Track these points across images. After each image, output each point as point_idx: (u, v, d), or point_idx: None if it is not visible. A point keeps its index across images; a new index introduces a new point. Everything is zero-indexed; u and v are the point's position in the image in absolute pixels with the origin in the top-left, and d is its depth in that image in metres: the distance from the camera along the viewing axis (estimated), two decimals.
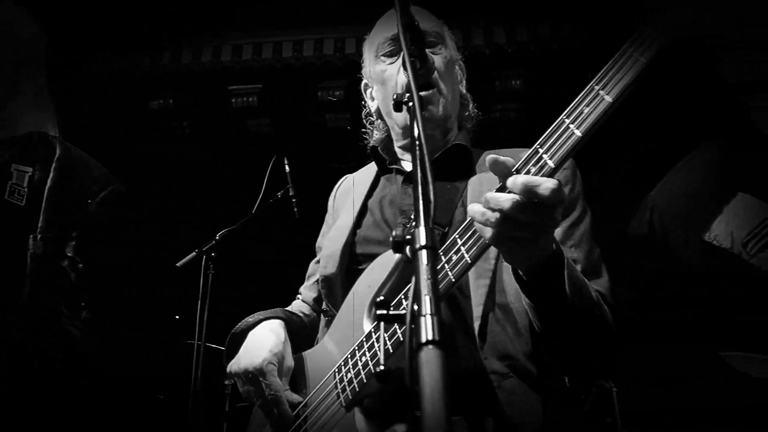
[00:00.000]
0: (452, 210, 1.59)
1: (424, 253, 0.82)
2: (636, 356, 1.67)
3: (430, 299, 0.76)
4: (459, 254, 1.19)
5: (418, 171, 0.96)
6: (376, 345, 1.31)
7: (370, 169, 1.92)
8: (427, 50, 1.58)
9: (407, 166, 1.81)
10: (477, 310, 1.39)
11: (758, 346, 1.51)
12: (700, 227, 1.66)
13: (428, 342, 0.72)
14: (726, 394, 1.49)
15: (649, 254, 1.76)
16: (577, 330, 1.28)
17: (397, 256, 1.43)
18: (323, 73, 4.35)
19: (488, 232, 1.11)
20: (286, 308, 1.94)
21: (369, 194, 1.82)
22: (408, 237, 0.87)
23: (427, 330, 0.73)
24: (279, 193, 3.42)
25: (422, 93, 1.58)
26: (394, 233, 0.87)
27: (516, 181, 1.06)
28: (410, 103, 1.09)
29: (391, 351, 1.24)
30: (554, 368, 1.45)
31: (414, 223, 0.87)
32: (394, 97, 1.15)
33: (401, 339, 1.24)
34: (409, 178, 1.74)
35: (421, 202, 0.90)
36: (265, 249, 4.30)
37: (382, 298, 0.87)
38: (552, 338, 1.33)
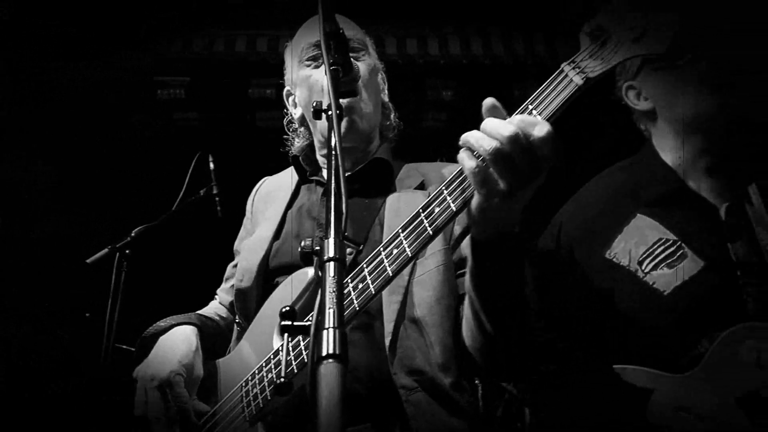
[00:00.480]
0: (368, 228, 1.57)
1: (331, 266, 0.83)
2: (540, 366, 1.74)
3: (334, 312, 0.77)
4: (364, 283, 1.18)
5: (332, 182, 0.96)
6: (281, 357, 1.31)
7: (291, 175, 1.89)
8: (351, 56, 1.59)
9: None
10: (388, 326, 1.40)
11: (646, 360, 1.62)
12: (603, 244, 1.75)
13: (328, 356, 0.73)
14: (619, 404, 1.57)
15: (556, 268, 1.84)
16: (525, 314, 1.30)
17: (311, 276, 1.42)
18: (255, 70, 4.29)
19: (474, 167, 1.05)
20: (202, 311, 1.89)
21: (289, 204, 1.79)
22: (317, 248, 0.87)
23: (328, 343, 0.74)
24: (202, 191, 3.33)
25: (346, 99, 1.55)
26: (303, 244, 0.88)
27: (513, 118, 1.05)
28: (330, 112, 1.09)
29: (296, 371, 1.23)
30: (470, 377, 1.49)
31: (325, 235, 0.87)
32: (314, 104, 1.15)
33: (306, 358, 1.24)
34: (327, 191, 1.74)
35: (332, 213, 0.91)
36: (185, 248, 4.17)
37: (287, 308, 0.87)
38: (499, 324, 1.30)
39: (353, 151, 1.73)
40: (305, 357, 1.23)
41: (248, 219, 1.94)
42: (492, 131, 1.02)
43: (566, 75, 1.04)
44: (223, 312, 1.88)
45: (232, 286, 1.85)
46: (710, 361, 1.53)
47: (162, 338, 1.59)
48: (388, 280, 1.16)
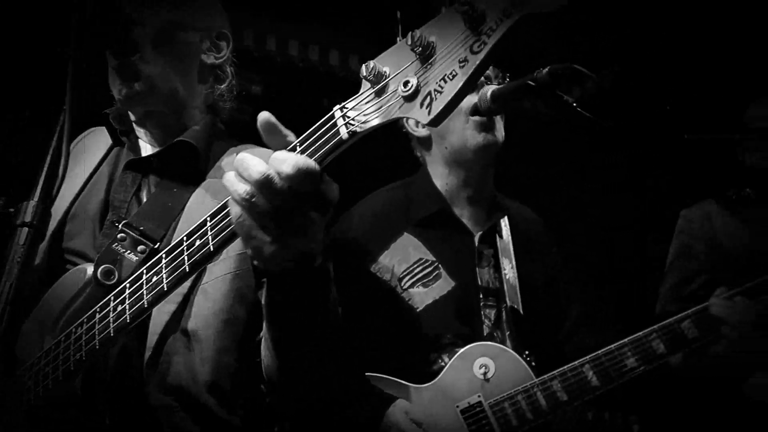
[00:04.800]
0: (169, 222, 1.35)
1: (23, 232, 0.70)
2: None
3: (11, 287, 0.64)
4: (159, 277, 1.02)
5: (54, 140, 0.82)
6: None
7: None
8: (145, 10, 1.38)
9: (143, 148, 1.51)
10: (151, 340, 1.24)
11: (396, 370, 1.70)
12: (371, 259, 1.80)
13: None
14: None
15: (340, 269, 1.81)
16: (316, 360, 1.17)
17: (88, 275, 1.23)
18: None
19: (235, 212, 0.90)
20: None
21: (98, 166, 1.50)
22: (11, 209, 0.73)
23: None
24: None
25: (119, 59, 1.37)
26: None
27: (278, 155, 0.87)
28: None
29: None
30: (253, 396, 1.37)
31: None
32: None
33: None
34: (131, 164, 1.45)
35: (43, 175, 0.77)
36: None
37: None
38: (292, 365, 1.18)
39: (161, 117, 1.49)
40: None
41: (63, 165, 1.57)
42: (243, 173, 0.88)
43: (335, 122, 0.91)
44: None
45: None
46: (447, 374, 1.66)
47: None
48: (183, 277, 1.00)
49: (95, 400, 1.21)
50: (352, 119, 0.89)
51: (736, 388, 1.95)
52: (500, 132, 1.80)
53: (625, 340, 1.63)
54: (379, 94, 0.89)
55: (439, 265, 1.79)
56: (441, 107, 0.83)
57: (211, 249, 0.95)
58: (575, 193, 3.51)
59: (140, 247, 1.27)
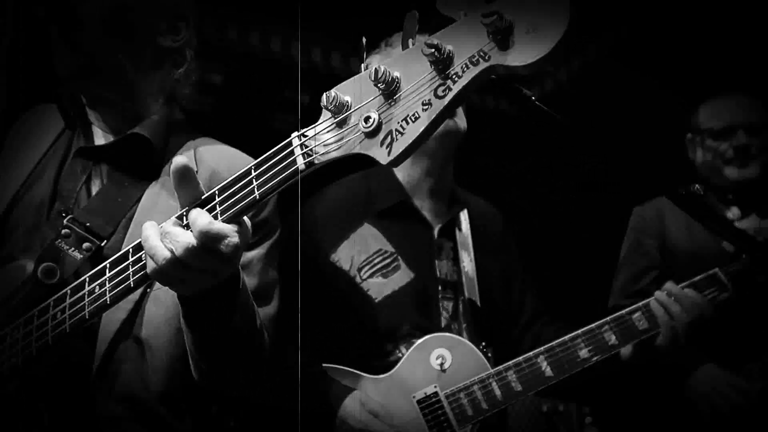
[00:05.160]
0: (118, 220, 1.29)
1: None
2: None
3: None
4: (102, 289, 1.00)
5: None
6: None
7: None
8: None
9: (96, 133, 1.42)
10: (101, 347, 1.19)
11: (353, 361, 1.69)
12: (329, 248, 1.80)
13: None
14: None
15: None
16: (235, 362, 1.21)
17: (28, 273, 1.18)
18: None
19: (151, 266, 0.96)
20: None
21: (49, 149, 1.42)
22: None
23: None
24: None
25: (63, 35, 1.29)
26: None
27: (197, 222, 0.91)
28: None
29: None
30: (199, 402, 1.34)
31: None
32: None
33: None
34: (82, 151, 1.37)
35: None
36: None
37: None
38: (207, 369, 1.21)
39: (112, 103, 1.41)
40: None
41: (6, 149, 1.45)
42: (164, 238, 0.93)
43: (292, 151, 0.90)
44: None
45: None
46: (405, 365, 1.66)
47: None
48: (128, 291, 1.01)
49: (36, 409, 1.16)
50: (311, 149, 0.89)
51: (680, 383, 2.01)
52: (462, 120, 1.80)
53: (579, 331, 1.67)
54: (340, 125, 0.88)
55: (398, 257, 1.79)
56: (401, 150, 0.82)
57: (131, 286, 0.99)
58: (543, 190, 3.56)
59: (86, 245, 1.22)
